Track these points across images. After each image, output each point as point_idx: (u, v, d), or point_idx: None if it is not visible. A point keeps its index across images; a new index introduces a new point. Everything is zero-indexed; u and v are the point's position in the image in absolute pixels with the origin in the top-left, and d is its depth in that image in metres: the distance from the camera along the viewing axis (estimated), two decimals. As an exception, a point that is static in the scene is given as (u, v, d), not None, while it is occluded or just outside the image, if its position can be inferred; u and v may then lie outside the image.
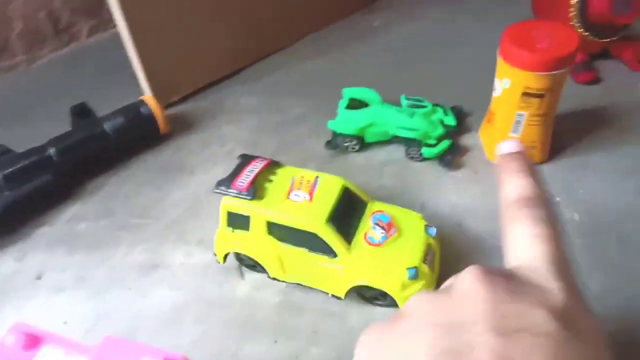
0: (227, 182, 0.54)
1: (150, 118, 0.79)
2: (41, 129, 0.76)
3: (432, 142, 0.70)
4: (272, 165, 0.58)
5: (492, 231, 0.62)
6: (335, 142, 0.73)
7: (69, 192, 0.74)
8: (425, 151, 0.70)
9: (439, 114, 0.73)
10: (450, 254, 0.59)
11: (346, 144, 0.73)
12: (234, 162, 0.58)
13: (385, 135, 0.72)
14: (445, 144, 0.70)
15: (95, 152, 0.76)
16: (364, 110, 0.71)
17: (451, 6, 1.06)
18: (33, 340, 0.40)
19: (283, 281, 0.58)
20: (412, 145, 0.70)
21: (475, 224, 0.63)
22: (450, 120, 0.72)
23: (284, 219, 0.52)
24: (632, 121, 0.75)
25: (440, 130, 0.70)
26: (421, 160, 0.71)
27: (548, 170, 0.69)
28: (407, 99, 0.74)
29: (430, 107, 0.73)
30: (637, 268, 0.56)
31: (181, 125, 0.83)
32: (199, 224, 0.67)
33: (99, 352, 0.38)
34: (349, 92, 0.75)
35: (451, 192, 0.67)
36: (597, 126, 0.75)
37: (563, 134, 0.72)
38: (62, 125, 0.77)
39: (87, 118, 0.79)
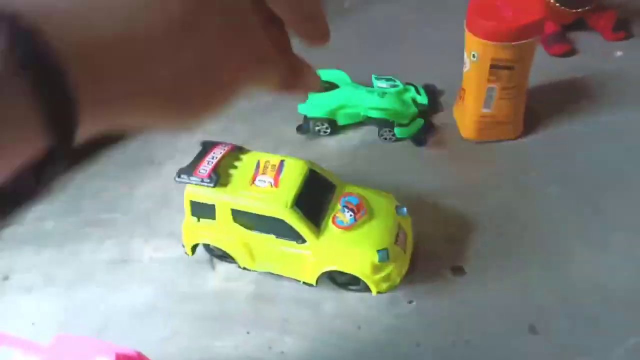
0: (189, 170, 0.53)
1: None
2: None
3: (405, 121, 0.68)
4: (236, 151, 0.56)
5: (467, 207, 0.60)
6: (307, 127, 0.72)
7: (36, 190, 0.72)
8: (398, 131, 0.68)
9: (411, 92, 0.71)
10: (426, 232, 0.58)
11: (317, 128, 0.72)
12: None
13: (356, 116, 0.70)
14: (418, 123, 0.68)
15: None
16: (334, 92, 0.70)
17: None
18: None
19: (254, 270, 0.57)
20: (384, 125, 0.69)
21: (449, 201, 0.61)
22: (423, 99, 0.71)
23: (248, 205, 0.51)
24: (608, 89, 0.74)
25: (412, 110, 0.69)
26: (394, 141, 0.69)
27: (525, 144, 0.67)
28: (378, 78, 0.73)
29: (401, 87, 0.71)
30: (614, 238, 0.56)
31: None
32: (169, 216, 0.66)
33: (52, 351, 0.37)
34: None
35: (426, 172, 0.66)
36: (573, 97, 0.73)
37: (539, 108, 0.70)
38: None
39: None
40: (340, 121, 0.71)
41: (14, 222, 0.68)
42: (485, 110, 0.64)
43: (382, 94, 0.69)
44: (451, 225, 0.59)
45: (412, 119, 0.68)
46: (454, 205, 0.61)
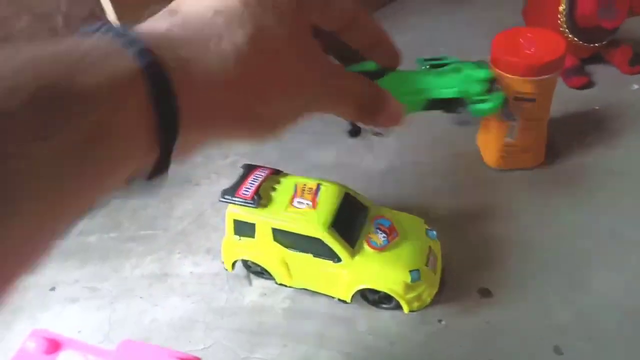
0: (232, 191, 0.56)
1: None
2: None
3: (484, 96, 0.50)
4: (275, 174, 0.59)
5: (491, 232, 0.64)
6: (357, 128, 0.57)
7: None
8: (477, 109, 0.51)
9: (469, 68, 0.50)
10: (454, 255, 0.61)
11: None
12: (238, 173, 0.60)
13: (419, 104, 0.50)
14: (499, 96, 0.52)
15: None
16: (384, 80, 0.46)
17: (447, 15, 1.09)
18: (53, 345, 0.42)
19: (290, 287, 0.60)
20: (457, 106, 0.49)
21: (475, 225, 0.65)
22: (485, 73, 0.48)
23: (288, 225, 0.54)
24: (624, 121, 0.77)
25: (482, 85, 0.50)
26: (472, 123, 0.58)
27: (545, 173, 0.71)
28: (425, 60, 0.54)
29: (457, 62, 0.51)
30: (631, 260, 0.58)
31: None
32: (206, 234, 0.69)
33: (117, 356, 0.40)
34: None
35: (452, 197, 0.69)
36: (591, 128, 0.77)
37: (558, 138, 0.74)
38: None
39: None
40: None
41: (58, 236, 0.72)
42: (508, 140, 0.67)
43: (438, 73, 0.47)
44: (477, 249, 0.62)
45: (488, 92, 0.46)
46: (479, 229, 0.64)
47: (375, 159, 0.76)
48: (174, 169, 0.79)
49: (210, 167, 0.80)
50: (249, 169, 0.60)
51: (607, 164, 0.71)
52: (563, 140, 0.74)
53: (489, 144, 0.70)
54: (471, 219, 0.65)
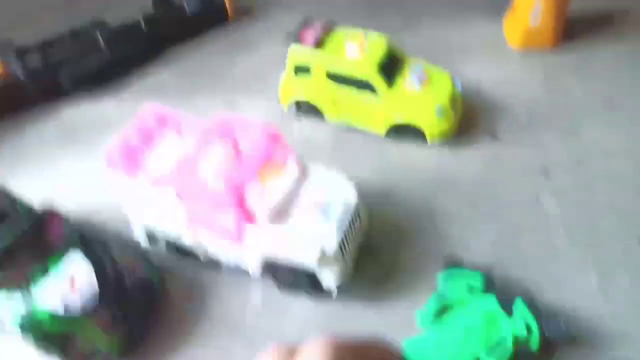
0: (295, 35, 0.69)
1: (221, 4, 0.93)
2: (123, 8, 0.92)
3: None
4: (330, 25, 0.72)
5: (504, 98, 0.75)
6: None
7: (156, 57, 0.90)
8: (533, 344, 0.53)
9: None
10: (470, 105, 0.73)
11: None
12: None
13: None
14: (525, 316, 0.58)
15: (176, 28, 0.91)
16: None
17: None
18: (162, 119, 0.56)
19: (335, 124, 0.73)
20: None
21: (494, 89, 0.77)
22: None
23: (342, 68, 0.67)
24: (633, 18, 0.87)
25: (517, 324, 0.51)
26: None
27: (561, 53, 0.82)
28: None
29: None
30: (618, 118, 0.70)
31: (244, 13, 0.98)
32: (264, 83, 0.83)
33: (211, 128, 0.54)
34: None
35: (479, 71, 0.81)
36: (604, 22, 0.87)
37: (575, 27, 0.85)
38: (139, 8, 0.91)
39: (167, 1, 0.94)
40: None
41: (139, 76, 0.86)
42: (532, 25, 0.79)
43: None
44: (490, 106, 0.75)
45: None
46: (496, 91, 0.77)
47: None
48: (237, 35, 0.96)
49: (267, 36, 0.93)
50: (308, 21, 0.72)
51: (613, 45, 0.82)
52: (577, 30, 0.85)
53: (515, 26, 0.82)
54: (491, 84, 0.78)
